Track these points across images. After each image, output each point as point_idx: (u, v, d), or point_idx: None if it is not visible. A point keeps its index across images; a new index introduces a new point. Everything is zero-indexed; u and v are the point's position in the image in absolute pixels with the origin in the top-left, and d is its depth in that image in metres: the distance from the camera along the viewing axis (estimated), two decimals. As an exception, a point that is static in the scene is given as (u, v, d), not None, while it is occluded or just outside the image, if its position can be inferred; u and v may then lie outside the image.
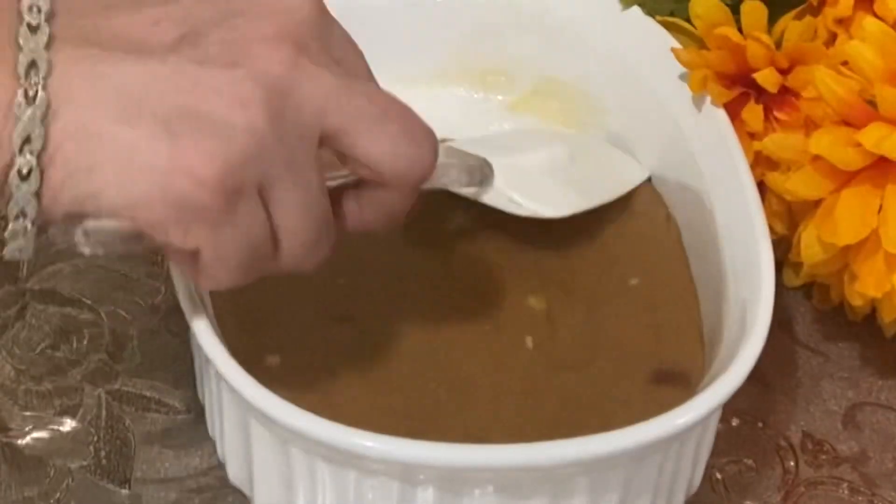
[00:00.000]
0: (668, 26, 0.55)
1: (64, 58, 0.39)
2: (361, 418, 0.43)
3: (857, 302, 0.51)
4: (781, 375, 0.55)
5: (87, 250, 0.40)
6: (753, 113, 0.53)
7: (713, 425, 0.47)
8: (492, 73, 0.60)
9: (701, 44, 0.54)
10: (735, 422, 0.53)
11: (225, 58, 0.40)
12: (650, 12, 0.56)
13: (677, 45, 0.54)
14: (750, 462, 0.52)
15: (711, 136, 0.52)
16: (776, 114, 0.53)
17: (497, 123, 0.59)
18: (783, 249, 0.54)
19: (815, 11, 0.53)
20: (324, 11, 0.42)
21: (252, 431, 0.45)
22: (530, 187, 0.52)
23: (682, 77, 0.53)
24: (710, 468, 0.51)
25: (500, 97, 0.60)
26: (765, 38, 0.51)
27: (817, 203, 0.50)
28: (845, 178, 0.49)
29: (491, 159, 0.47)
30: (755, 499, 0.51)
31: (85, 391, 0.53)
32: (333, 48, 0.42)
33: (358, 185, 0.43)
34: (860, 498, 0.51)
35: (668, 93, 0.54)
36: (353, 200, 0.43)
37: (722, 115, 0.52)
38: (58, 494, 0.50)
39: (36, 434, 0.51)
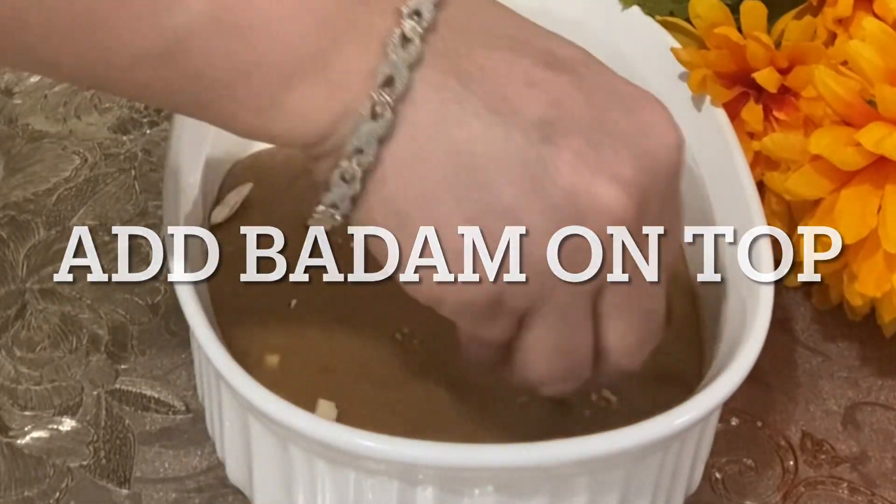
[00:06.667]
0: (668, 26, 0.55)
1: (423, 85, 0.37)
2: (361, 418, 0.43)
3: (856, 302, 0.51)
4: (781, 375, 0.55)
5: None
6: (753, 113, 0.53)
7: (713, 425, 0.47)
8: (491, 73, 0.59)
9: (701, 43, 0.54)
10: (734, 421, 0.53)
11: (567, 176, 0.38)
12: (650, 12, 0.56)
13: (677, 44, 0.54)
14: (749, 462, 0.52)
15: (711, 136, 0.52)
16: (776, 113, 0.53)
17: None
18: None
19: (815, 11, 0.53)
20: (682, 161, 0.40)
21: (252, 431, 0.45)
22: None
23: (682, 77, 0.53)
24: (709, 468, 0.51)
25: (499, 97, 0.60)
26: (764, 37, 0.51)
27: (817, 203, 0.50)
28: (845, 178, 0.49)
29: None
30: (755, 498, 0.51)
31: (84, 391, 0.53)
32: (665, 207, 0.40)
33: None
34: (860, 498, 0.51)
35: (667, 93, 0.54)
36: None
37: (721, 114, 0.52)
38: (57, 494, 0.50)
39: (35, 434, 0.51)
